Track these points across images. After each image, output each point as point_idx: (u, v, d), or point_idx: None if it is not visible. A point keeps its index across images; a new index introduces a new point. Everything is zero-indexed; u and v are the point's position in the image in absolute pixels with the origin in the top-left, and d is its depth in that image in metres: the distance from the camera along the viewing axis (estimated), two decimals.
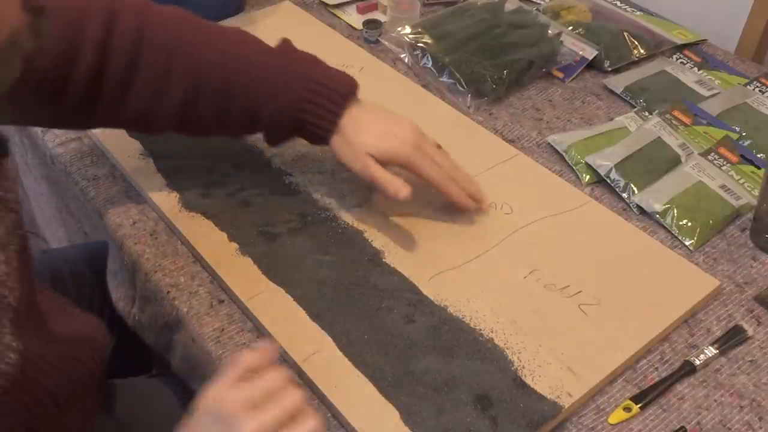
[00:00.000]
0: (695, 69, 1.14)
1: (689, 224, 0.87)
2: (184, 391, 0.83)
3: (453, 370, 0.70)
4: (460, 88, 1.07)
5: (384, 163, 0.79)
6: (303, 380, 0.71)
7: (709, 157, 0.95)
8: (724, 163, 0.95)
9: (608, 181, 0.92)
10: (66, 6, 0.73)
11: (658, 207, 0.88)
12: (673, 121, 1.01)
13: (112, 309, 0.90)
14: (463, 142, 0.98)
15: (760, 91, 1.09)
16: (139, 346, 0.87)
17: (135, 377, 0.92)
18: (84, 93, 0.75)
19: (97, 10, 0.74)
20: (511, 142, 0.99)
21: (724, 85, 1.10)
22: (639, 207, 0.90)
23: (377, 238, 0.84)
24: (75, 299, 0.87)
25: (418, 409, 0.67)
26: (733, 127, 1.02)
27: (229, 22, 1.23)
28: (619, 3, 1.29)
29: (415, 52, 1.15)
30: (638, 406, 0.69)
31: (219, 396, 0.56)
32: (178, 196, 0.89)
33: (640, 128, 0.99)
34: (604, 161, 0.93)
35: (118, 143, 0.94)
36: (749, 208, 0.90)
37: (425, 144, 0.81)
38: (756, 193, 0.91)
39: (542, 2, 1.30)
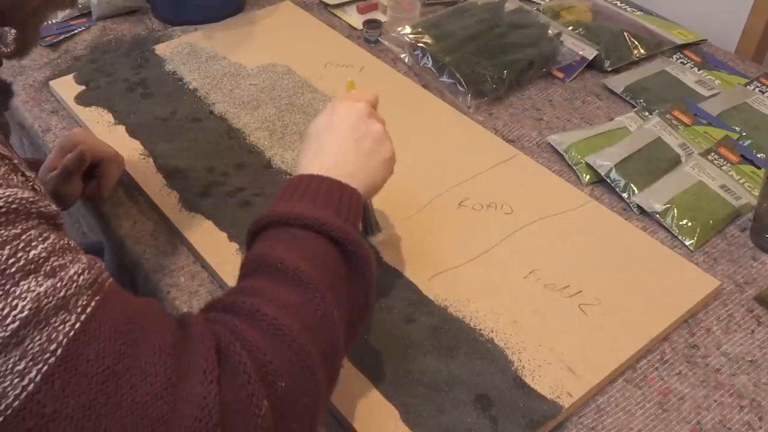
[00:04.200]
0: (695, 69, 1.14)
1: (689, 224, 0.87)
2: None
3: (453, 370, 0.70)
4: (460, 88, 1.07)
5: None
6: None
7: (709, 157, 0.95)
8: (724, 163, 0.95)
9: (608, 181, 0.92)
10: None
11: (658, 207, 0.88)
12: (673, 121, 1.01)
13: None
14: (463, 142, 0.98)
15: (760, 91, 1.09)
16: None
17: None
18: None
19: None
20: (511, 142, 0.99)
21: (724, 85, 1.10)
22: (639, 207, 0.90)
23: (377, 238, 0.84)
24: None
25: (418, 409, 0.67)
26: (733, 127, 1.01)
27: (229, 22, 1.23)
28: (619, 3, 1.29)
29: (415, 52, 1.15)
30: None
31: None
32: (178, 196, 0.89)
33: (640, 128, 0.99)
34: (604, 161, 0.93)
35: (119, 143, 0.94)
36: (749, 208, 0.90)
37: None
38: (756, 193, 0.91)
39: (542, 2, 1.30)
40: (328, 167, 0.65)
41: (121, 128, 1.00)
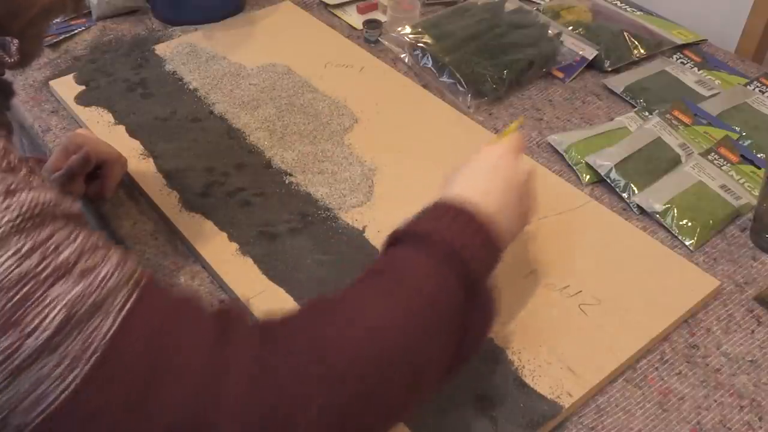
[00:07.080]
0: (695, 69, 1.14)
1: (689, 224, 0.87)
2: None
3: None
4: (460, 88, 1.07)
5: None
6: None
7: (709, 157, 0.95)
8: (724, 163, 0.95)
9: (608, 181, 0.92)
10: None
11: (658, 207, 0.88)
12: (673, 121, 1.01)
13: None
14: (463, 142, 0.98)
15: (760, 91, 1.09)
16: None
17: None
18: None
19: None
20: None
21: (724, 85, 1.10)
22: (639, 207, 0.90)
23: (377, 238, 0.84)
24: None
25: (418, 410, 0.67)
26: (733, 127, 1.01)
27: (229, 22, 1.23)
28: (619, 3, 1.29)
29: (415, 52, 1.15)
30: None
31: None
32: (178, 196, 0.89)
33: (640, 128, 0.99)
34: (604, 161, 0.93)
35: (119, 143, 0.94)
36: (749, 208, 0.90)
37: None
38: (756, 193, 0.91)
39: (542, 2, 1.30)
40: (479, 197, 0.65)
41: (121, 128, 1.00)
